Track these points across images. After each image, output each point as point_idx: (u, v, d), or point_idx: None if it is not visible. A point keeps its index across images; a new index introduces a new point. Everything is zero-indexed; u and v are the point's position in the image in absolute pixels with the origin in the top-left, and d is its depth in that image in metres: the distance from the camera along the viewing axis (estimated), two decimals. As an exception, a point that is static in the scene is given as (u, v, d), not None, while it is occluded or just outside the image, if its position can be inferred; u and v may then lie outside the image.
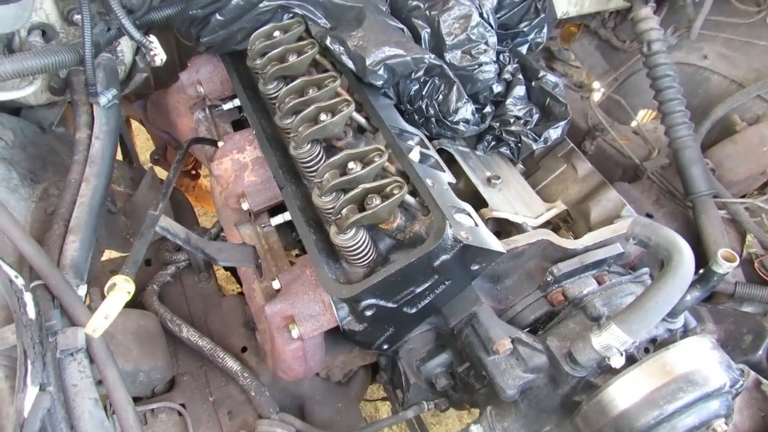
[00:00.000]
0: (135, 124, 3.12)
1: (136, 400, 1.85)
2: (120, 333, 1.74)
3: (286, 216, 1.85)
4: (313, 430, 1.85)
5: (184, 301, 2.12)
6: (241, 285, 2.58)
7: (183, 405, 1.84)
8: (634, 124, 2.96)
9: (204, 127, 2.21)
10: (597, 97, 3.08)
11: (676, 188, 2.50)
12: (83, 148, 1.85)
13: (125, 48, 2.05)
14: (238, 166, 1.83)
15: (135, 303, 2.05)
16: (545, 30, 2.17)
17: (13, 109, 2.14)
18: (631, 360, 1.42)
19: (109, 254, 2.31)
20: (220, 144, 1.94)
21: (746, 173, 2.46)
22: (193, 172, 3.13)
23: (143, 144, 3.88)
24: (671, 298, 1.33)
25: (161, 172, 2.59)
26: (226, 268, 2.57)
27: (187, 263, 2.18)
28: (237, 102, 2.15)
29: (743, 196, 2.51)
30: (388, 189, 1.44)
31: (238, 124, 2.23)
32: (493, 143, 1.97)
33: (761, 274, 2.30)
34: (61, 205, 1.75)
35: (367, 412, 3.27)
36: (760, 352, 1.87)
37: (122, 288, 1.24)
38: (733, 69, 2.65)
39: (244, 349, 1.98)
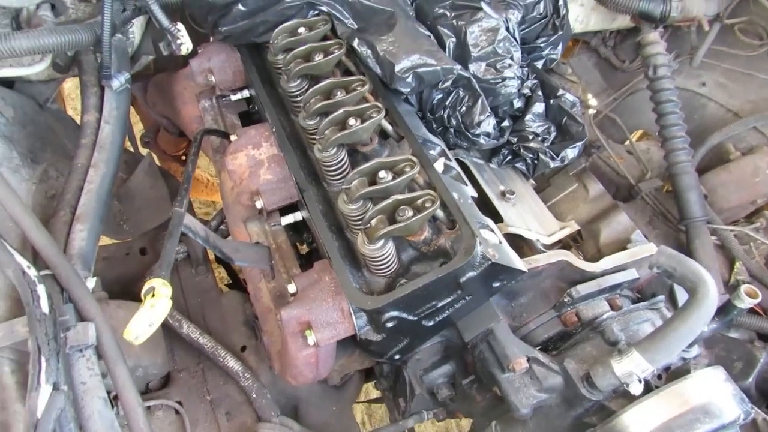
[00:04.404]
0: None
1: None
2: (123, 327, 1.68)
3: (296, 216, 1.82)
4: (313, 435, 1.83)
5: (181, 294, 2.06)
6: (232, 279, 2.54)
7: (180, 403, 1.79)
8: (627, 143, 3.01)
9: (210, 117, 2.15)
10: (591, 113, 3.12)
11: (669, 211, 2.55)
12: (91, 132, 1.78)
13: (136, 29, 1.98)
14: (253, 163, 1.79)
15: (132, 295, 1.99)
16: (560, 47, 2.19)
17: (6, 82, 2.04)
18: (645, 386, 1.44)
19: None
20: (232, 138, 1.88)
21: (737, 201, 2.53)
22: (183, 157, 3.05)
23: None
24: (694, 329, 1.36)
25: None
26: (218, 262, 2.52)
27: (185, 255, 2.12)
28: (246, 93, 2.10)
29: (732, 223, 2.59)
30: (420, 201, 1.43)
31: (245, 116, 2.18)
32: (510, 158, 1.98)
33: (747, 301, 2.38)
34: (67, 190, 1.68)
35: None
36: (750, 380, 1.94)
37: (163, 293, 1.19)
38: (730, 99, 2.72)
39: (243, 348, 1.94)
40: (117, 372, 1.37)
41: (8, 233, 1.53)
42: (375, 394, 2.94)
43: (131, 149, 2.76)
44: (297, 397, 2.00)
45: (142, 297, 1.24)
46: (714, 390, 1.39)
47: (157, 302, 1.21)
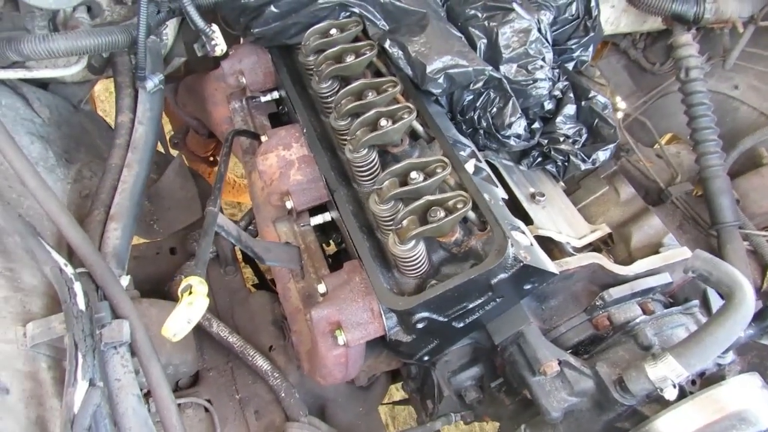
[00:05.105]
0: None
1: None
2: (155, 325, 1.70)
3: (326, 216, 1.83)
4: (341, 436, 1.83)
5: (210, 293, 2.06)
6: (259, 279, 2.56)
7: (209, 401, 1.80)
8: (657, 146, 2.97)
9: (240, 118, 2.17)
10: (620, 116, 3.09)
11: (700, 215, 2.52)
12: (125, 132, 1.81)
13: (169, 31, 2.01)
14: (283, 164, 1.80)
15: (161, 293, 2.01)
16: (591, 48, 2.17)
17: (41, 83, 2.07)
18: (679, 392, 1.42)
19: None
20: (263, 138, 1.90)
21: (770, 206, 2.49)
22: (212, 158, 3.08)
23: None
24: (731, 335, 1.34)
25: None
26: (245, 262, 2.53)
27: (213, 255, 2.14)
28: (275, 95, 2.12)
29: (765, 228, 2.54)
30: (452, 203, 1.43)
31: (274, 117, 2.19)
32: (540, 159, 1.96)
33: (780, 307, 2.33)
34: (101, 189, 1.70)
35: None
36: (785, 387, 1.89)
37: (200, 291, 1.20)
38: (764, 102, 2.68)
39: (270, 348, 1.95)
40: (150, 369, 1.38)
41: (45, 231, 1.55)
42: (398, 396, 2.94)
43: (161, 150, 2.79)
44: (324, 398, 2.00)
45: (179, 295, 1.25)
46: (750, 396, 1.36)
47: (195, 300, 1.22)
